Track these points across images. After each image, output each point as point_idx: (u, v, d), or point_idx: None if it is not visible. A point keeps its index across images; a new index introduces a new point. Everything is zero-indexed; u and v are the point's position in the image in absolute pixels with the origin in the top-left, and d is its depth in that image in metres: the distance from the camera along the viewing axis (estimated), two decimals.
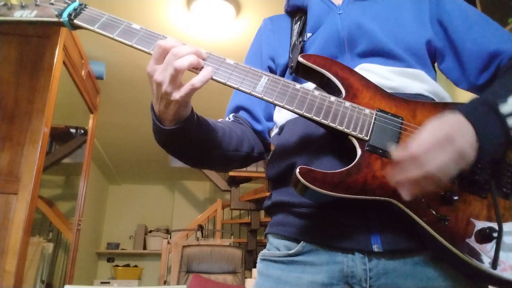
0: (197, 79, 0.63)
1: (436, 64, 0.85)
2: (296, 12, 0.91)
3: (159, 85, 0.63)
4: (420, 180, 0.55)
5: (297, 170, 0.62)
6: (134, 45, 0.69)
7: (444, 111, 0.67)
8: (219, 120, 0.83)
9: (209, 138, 0.73)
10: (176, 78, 0.62)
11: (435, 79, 0.81)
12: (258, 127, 0.88)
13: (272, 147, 0.85)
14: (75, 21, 0.73)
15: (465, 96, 0.84)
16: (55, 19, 0.73)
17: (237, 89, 0.68)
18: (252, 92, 0.67)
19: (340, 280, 0.66)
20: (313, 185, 0.61)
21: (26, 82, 2.11)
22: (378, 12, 0.82)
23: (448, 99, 0.78)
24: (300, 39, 0.83)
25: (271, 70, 0.89)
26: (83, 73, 2.75)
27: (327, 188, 0.61)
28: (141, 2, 2.84)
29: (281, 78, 0.69)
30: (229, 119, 0.88)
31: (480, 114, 0.61)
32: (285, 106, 0.67)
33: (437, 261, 0.65)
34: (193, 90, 0.63)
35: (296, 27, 0.87)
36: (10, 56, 2.14)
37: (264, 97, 0.67)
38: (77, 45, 2.58)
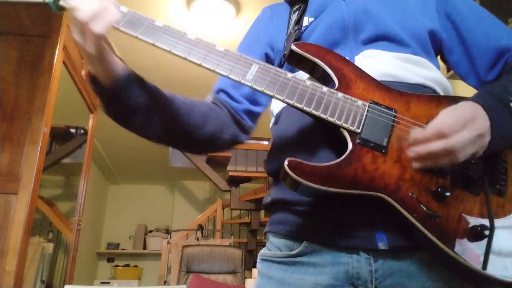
0: (95, 24, 0.61)
1: (440, 58, 0.85)
2: (296, 1, 0.89)
3: (81, 46, 0.64)
4: (440, 154, 0.57)
5: (285, 162, 0.60)
6: (121, 28, 0.67)
7: (440, 104, 0.67)
8: (190, 98, 0.80)
9: (157, 105, 0.71)
10: (85, 34, 0.62)
11: (438, 70, 0.80)
12: (235, 105, 0.84)
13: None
14: (60, 2, 0.69)
15: (463, 89, 0.84)
16: (40, 0, 0.70)
17: (227, 77, 0.66)
18: (242, 81, 0.65)
19: (345, 281, 0.65)
20: (301, 178, 0.59)
21: (26, 82, 2.11)
22: None
23: (450, 89, 0.78)
24: (296, 28, 0.82)
25: (269, 57, 0.87)
26: (83, 73, 2.75)
27: (316, 182, 0.59)
28: (140, 2, 2.84)
29: (272, 67, 0.67)
30: (208, 101, 0.85)
31: (494, 107, 0.62)
32: (276, 95, 0.65)
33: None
34: (98, 38, 0.62)
35: (294, 16, 0.86)
36: (10, 56, 2.14)
37: (254, 86, 0.65)
38: (77, 45, 2.57)
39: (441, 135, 0.57)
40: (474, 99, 0.63)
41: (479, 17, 0.81)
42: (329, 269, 0.66)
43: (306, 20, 0.83)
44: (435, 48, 0.81)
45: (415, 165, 0.60)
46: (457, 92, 0.79)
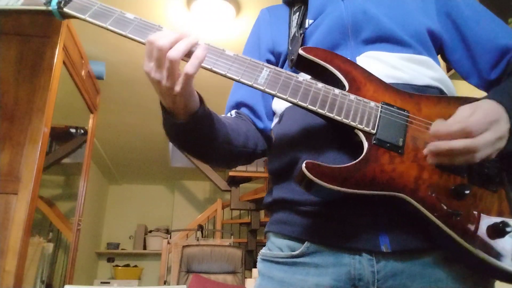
0: (189, 66, 0.61)
1: (440, 57, 0.85)
2: (295, 2, 0.89)
3: (158, 82, 0.62)
4: (460, 152, 0.56)
5: (303, 165, 0.59)
6: (129, 35, 0.66)
7: (449, 105, 0.67)
8: (223, 115, 0.82)
9: (220, 132, 0.72)
10: (173, 72, 0.60)
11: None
12: (260, 124, 0.86)
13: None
14: (64, 9, 0.69)
15: (464, 89, 0.84)
16: (43, 8, 0.70)
17: (238, 81, 0.65)
18: (254, 84, 0.65)
19: (347, 283, 0.64)
20: (321, 180, 0.59)
21: (26, 82, 2.11)
22: None
23: (453, 88, 0.78)
24: (301, 31, 0.81)
25: (271, 63, 0.86)
26: (83, 73, 2.75)
27: (335, 184, 0.59)
28: (140, 2, 2.84)
29: (283, 70, 0.67)
30: (231, 115, 0.86)
31: None
32: (288, 98, 0.65)
33: (446, 262, 0.64)
34: (189, 78, 0.61)
35: (295, 18, 0.85)
36: (10, 56, 2.13)
37: (266, 90, 0.65)
38: (77, 45, 2.58)
39: (466, 133, 0.56)
40: (497, 99, 0.62)
41: (480, 16, 0.81)
42: (331, 270, 0.66)
43: (306, 22, 0.82)
44: (436, 47, 0.81)
45: (430, 160, 0.59)
46: (457, 92, 0.79)
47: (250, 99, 0.86)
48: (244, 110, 0.86)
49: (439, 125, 0.59)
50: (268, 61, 0.87)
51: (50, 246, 2.56)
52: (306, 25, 0.82)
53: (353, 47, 0.76)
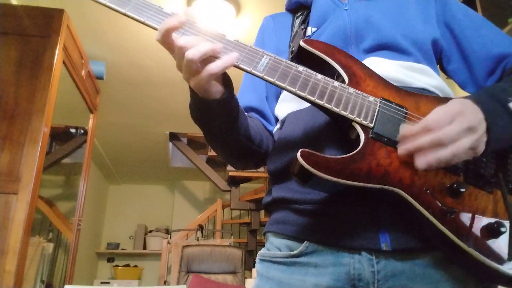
0: (215, 65, 0.61)
1: (439, 66, 0.85)
2: (298, 9, 0.90)
3: (181, 71, 0.63)
4: (428, 147, 0.57)
5: (299, 153, 0.58)
6: (128, 13, 0.65)
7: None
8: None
9: (242, 121, 0.71)
10: (191, 69, 0.61)
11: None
12: (270, 127, 0.86)
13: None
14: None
15: (464, 92, 0.85)
16: None
17: (237, 66, 0.65)
18: (253, 71, 0.64)
19: (346, 283, 0.64)
20: (315, 169, 0.58)
21: (26, 82, 2.11)
22: (385, 8, 0.82)
23: (452, 96, 0.78)
24: (302, 27, 0.82)
25: None
26: (83, 73, 2.75)
27: (330, 173, 0.58)
28: None
29: (283, 59, 0.67)
30: None
31: (487, 102, 0.62)
32: (287, 87, 0.64)
33: (446, 263, 0.63)
34: (211, 76, 0.61)
35: (298, 21, 0.86)
36: (10, 56, 2.14)
37: (265, 77, 0.64)
38: (77, 45, 2.58)
39: (427, 129, 0.57)
40: (465, 96, 0.63)
41: (477, 25, 0.82)
42: (330, 270, 0.65)
43: (309, 30, 0.83)
44: (437, 56, 0.82)
45: (416, 163, 0.58)
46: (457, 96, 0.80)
47: (257, 102, 0.87)
48: (253, 114, 0.86)
49: (403, 128, 0.60)
50: None
51: (50, 246, 2.57)
52: (309, 33, 0.82)
53: (354, 54, 0.76)
